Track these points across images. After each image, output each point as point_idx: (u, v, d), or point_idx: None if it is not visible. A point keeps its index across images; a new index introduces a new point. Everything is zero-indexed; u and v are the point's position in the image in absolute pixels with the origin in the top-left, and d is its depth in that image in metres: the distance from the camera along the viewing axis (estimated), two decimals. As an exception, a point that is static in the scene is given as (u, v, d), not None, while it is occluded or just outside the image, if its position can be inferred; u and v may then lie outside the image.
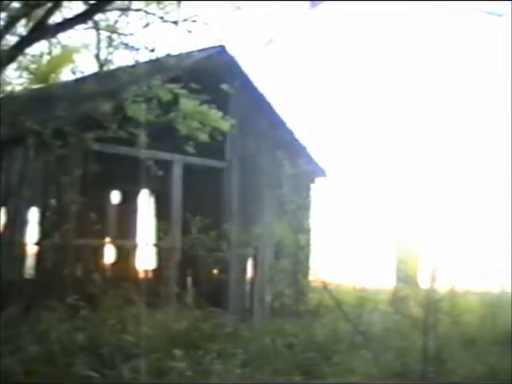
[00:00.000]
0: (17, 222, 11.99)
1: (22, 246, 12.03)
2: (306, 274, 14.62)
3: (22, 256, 11.99)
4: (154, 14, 11.32)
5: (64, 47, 11.47)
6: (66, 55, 10.96)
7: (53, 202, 11.56)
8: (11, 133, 11.84)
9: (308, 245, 14.37)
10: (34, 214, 12.10)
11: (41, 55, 11.85)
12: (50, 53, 11.63)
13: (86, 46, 11.81)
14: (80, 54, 11.56)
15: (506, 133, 12.33)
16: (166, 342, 8.89)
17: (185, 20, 11.22)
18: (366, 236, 12.07)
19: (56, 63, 10.59)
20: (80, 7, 10.54)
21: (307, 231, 14.35)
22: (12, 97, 12.16)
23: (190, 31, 11.29)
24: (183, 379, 7.55)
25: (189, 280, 12.88)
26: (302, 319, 12.17)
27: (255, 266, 14.64)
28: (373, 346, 8.96)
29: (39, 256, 12.01)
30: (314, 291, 13.68)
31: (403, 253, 12.26)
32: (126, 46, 11.70)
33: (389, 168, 14.46)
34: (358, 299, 11.62)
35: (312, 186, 16.26)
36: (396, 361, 8.55)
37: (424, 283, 9.89)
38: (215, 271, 14.18)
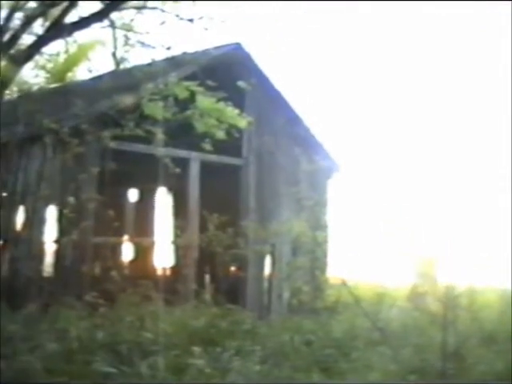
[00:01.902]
0: (35, 220, 12.04)
1: (41, 244, 12.08)
2: (323, 270, 14.61)
3: (40, 254, 12.04)
4: (169, 12, 11.34)
5: (80, 45, 11.51)
6: (82, 52, 10.99)
7: (71, 200, 11.60)
8: (29, 131, 11.91)
9: (325, 241, 14.37)
10: (52, 212, 12.15)
11: (57, 54, 11.91)
12: (66, 52, 11.68)
13: (103, 45, 11.83)
14: (95, 50, 11.60)
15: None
16: (184, 339, 8.91)
17: (200, 18, 11.24)
18: (383, 232, 12.01)
19: (72, 61, 10.64)
20: (96, 6, 10.60)
21: (324, 228, 14.34)
22: (29, 96, 12.22)
23: (206, 29, 11.30)
24: (201, 376, 7.55)
25: (207, 277, 12.90)
26: (319, 316, 12.15)
27: (273, 263, 14.62)
28: (391, 343, 8.91)
29: (58, 254, 12.06)
30: (331, 288, 13.66)
31: (421, 249, 12.19)
32: (143, 44, 11.72)
33: (406, 164, 14.40)
34: (377, 296, 11.60)
35: (329, 182, 16.21)
36: (415, 357, 8.50)
37: (442, 279, 9.84)
38: (233, 268, 14.19)
